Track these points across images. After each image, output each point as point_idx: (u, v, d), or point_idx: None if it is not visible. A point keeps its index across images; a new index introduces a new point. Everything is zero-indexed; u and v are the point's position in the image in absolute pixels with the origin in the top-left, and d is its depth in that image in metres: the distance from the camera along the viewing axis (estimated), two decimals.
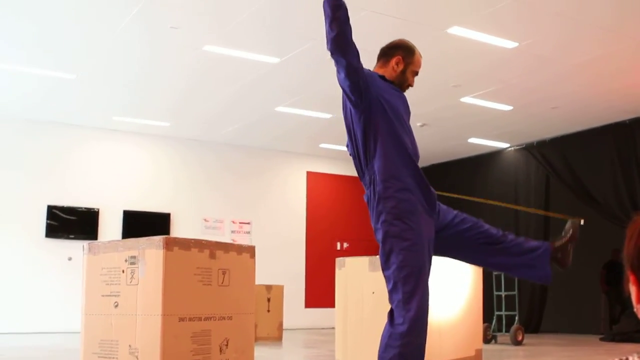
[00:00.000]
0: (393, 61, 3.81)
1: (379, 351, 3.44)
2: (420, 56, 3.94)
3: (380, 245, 3.49)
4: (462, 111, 11.33)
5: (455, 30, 7.94)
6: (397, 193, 3.47)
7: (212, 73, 9.63)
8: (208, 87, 10.33)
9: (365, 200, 3.62)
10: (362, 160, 3.60)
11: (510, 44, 8.32)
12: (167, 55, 8.95)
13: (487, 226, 3.70)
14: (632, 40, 8.23)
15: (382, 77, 3.77)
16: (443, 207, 3.71)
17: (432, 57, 8.91)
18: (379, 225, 3.49)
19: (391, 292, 3.43)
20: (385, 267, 3.47)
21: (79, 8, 7.50)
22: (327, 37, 3.49)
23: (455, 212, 3.73)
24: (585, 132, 12.34)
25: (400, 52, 3.82)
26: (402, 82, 3.84)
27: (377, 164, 3.53)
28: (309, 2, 7.23)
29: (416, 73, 3.92)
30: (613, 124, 11.86)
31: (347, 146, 3.71)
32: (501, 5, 7.24)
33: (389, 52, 3.84)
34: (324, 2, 3.51)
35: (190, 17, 7.66)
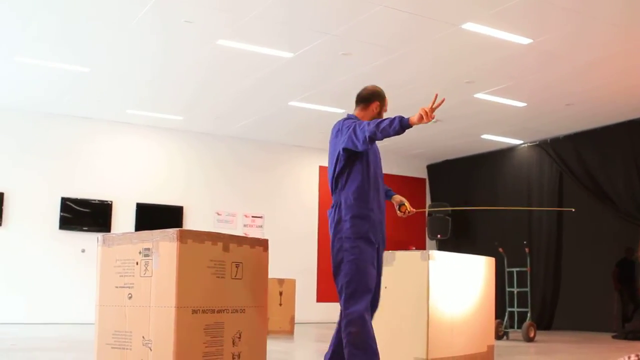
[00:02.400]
0: (372, 106, 4.79)
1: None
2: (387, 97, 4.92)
3: (334, 255, 4.46)
4: (475, 107, 11.31)
5: (469, 26, 7.92)
6: (353, 219, 4.45)
7: (226, 67, 9.65)
8: (221, 82, 10.35)
9: (328, 214, 4.61)
10: (334, 184, 4.59)
11: (524, 40, 8.29)
12: (181, 49, 8.98)
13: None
14: None
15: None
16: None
17: (446, 53, 8.90)
18: (336, 240, 4.46)
19: (339, 293, 4.42)
20: (335, 273, 4.45)
21: (93, 1, 7.53)
22: (370, 136, 4.33)
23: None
24: (600, 129, 12.29)
25: (377, 99, 4.81)
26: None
27: (344, 195, 4.52)
28: None
29: (386, 110, 4.91)
30: (627, 122, 11.80)
31: (329, 165, 4.68)
32: (516, 1, 7.22)
33: (369, 98, 4.81)
34: (393, 127, 4.28)
35: (204, 11, 7.68)
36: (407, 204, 5.00)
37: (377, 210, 4.56)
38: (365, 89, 4.88)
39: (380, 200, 4.64)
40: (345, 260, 4.39)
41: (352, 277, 4.35)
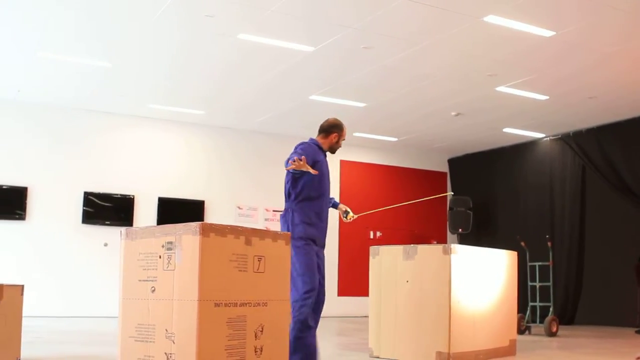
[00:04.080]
0: (332, 136, 5.75)
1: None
2: (345, 128, 5.90)
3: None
4: (497, 101, 11.24)
5: (491, 19, 7.86)
6: (304, 224, 5.36)
7: (247, 62, 9.66)
8: (242, 76, 10.37)
9: (281, 217, 5.54)
10: (288, 193, 5.51)
11: (547, 33, 8.22)
12: (202, 43, 9.00)
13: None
14: None
15: (320, 147, 5.70)
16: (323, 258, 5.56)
17: (467, 46, 8.85)
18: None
19: (294, 282, 5.14)
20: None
21: None
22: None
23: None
24: (623, 122, 12.16)
25: (336, 131, 5.76)
26: (336, 148, 5.81)
27: (297, 204, 5.43)
28: None
29: (344, 139, 5.88)
30: None
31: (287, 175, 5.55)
32: None
33: (329, 130, 5.76)
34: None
35: (225, 5, 7.68)
36: (351, 212, 6.16)
37: (324, 219, 5.57)
38: (327, 121, 5.83)
39: (326, 211, 5.64)
40: (299, 254, 5.22)
41: (305, 270, 5.22)
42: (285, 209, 5.56)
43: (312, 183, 5.49)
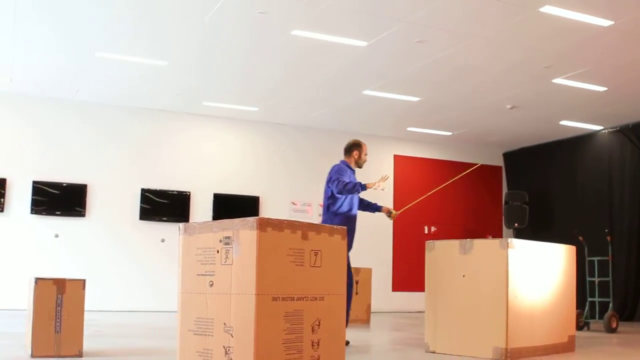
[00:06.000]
0: (353, 154, 7.31)
1: None
2: (365, 144, 7.41)
3: None
4: (553, 93, 11.05)
5: (548, 9, 7.73)
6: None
7: (301, 58, 9.68)
8: (296, 72, 10.40)
9: None
10: (327, 206, 7.02)
11: (605, 22, 8.05)
12: (256, 40, 9.05)
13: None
14: None
15: (349, 166, 7.25)
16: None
17: (523, 38, 8.72)
18: None
19: None
20: None
21: None
22: (340, 189, 6.83)
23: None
24: None
25: (355, 149, 7.31)
26: (360, 163, 7.37)
27: (335, 217, 7.00)
28: None
29: (366, 154, 7.39)
30: None
31: (324, 193, 7.16)
32: None
33: (349, 150, 7.34)
34: (355, 189, 6.84)
35: (279, 1, 7.72)
36: (393, 211, 7.50)
37: (352, 229, 7.03)
38: (347, 143, 7.37)
39: (354, 220, 7.13)
40: None
41: None
42: (322, 220, 7.03)
43: (347, 199, 6.96)
